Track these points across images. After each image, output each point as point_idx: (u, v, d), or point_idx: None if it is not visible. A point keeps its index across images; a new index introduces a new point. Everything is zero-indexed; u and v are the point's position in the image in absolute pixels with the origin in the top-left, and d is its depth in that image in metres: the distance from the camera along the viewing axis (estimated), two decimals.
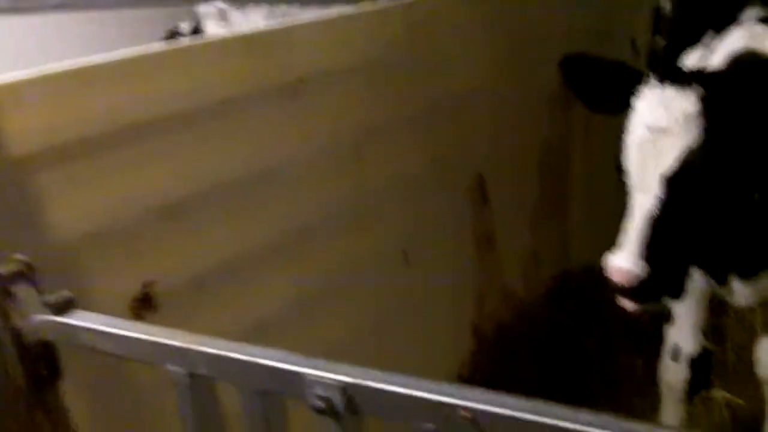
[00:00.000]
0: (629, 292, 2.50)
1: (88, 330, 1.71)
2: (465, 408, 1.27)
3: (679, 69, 2.55)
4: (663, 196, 2.45)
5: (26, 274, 1.84)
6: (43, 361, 1.87)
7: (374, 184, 3.25)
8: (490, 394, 1.27)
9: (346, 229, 3.15)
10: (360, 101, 3.15)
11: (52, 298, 1.77)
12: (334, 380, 1.39)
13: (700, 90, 2.44)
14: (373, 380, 1.36)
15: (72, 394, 1.95)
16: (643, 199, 2.49)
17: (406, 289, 3.46)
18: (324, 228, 3.03)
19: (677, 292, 2.64)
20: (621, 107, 2.60)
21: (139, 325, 1.75)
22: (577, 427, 1.19)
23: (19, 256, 1.85)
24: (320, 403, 1.40)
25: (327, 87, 2.99)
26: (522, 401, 1.24)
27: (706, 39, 2.77)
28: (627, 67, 2.75)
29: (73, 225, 2.30)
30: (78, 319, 1.74)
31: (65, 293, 1.78)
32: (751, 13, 2.83)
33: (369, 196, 3.23)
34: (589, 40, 3.96)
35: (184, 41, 3.26)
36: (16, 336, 1.84)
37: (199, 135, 2.59)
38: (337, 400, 1.39)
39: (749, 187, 2.60)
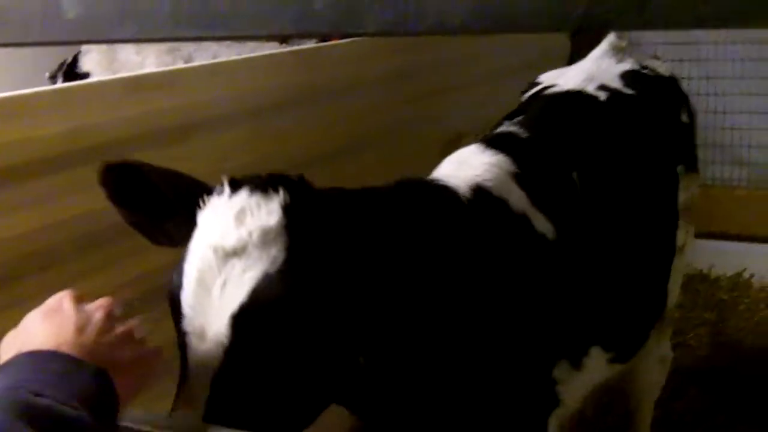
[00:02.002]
0: None
1: None
2: None
3: (261, 177, 1.88)
4: (230, 346, 1.70)
5: None
6: None
7: None
8: None
9: None
10: (246, 146, 3.09)
11: None
12: None
13: (285, 197, 1.80)
14: None
15: None
16: (203, 350, 1.72)
17: None
18: None
19: None
20: (184, 234, 1.86)
21: None
22: None
23: None
24: None
25: (213, 132, 2.92)
26: None
27: None
28: (189, 179, 1.97)
29: None
30: None
31: None
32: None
33: None
34: None
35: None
36: None
37: (76, 179, 2.48)
38: None
39: (350, 343, 1.89)
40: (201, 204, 1.84)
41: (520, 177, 2.34)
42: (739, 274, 5.17)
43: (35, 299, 2.30)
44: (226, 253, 1.73)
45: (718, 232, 5.14)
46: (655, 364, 3.31)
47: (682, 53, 5.42)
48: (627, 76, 3.05)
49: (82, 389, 1.27)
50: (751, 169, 5.58)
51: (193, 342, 1.73)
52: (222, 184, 1.84)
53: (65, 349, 1.34)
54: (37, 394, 1.19)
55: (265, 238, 1.74)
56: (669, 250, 2.99)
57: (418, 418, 2.11)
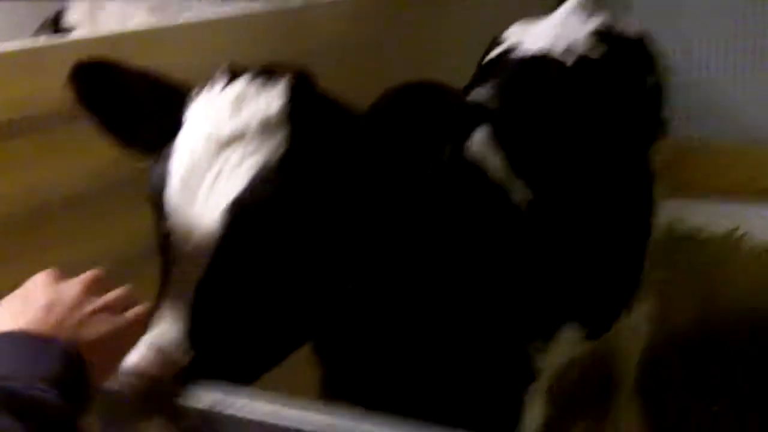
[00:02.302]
0: (166, 394, 1.48)
1: None
2: None
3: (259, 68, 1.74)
4: (221, 241, 1.58)
5: None
6: None
7: None
8: (356, 421, 1.24)
9: None
10: None
11: None
12: (196, 407, 1.38)
13: (288, 85, 1.68)
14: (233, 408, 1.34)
15: None
16: (189, 248, 1.60)
17: None
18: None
19: (251, 376, 1.69)
20: (161, 139, 1.72)
21: None
22: None
23: None
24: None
25: None
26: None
27: None
28: (169, 81, 1.85)
29: None
30: None
31: None
32: None
33: None
34: None
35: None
36: None
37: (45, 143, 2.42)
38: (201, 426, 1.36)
39: (342, 261, 1.78)
40: (185, 102, 1.72)
41: (497, 145, 2.26)
42: (730, 234, 5.05)
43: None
44: (222, 142, 1.61)
45: (708, 192, 5.10)
46: (631, 329, 3.29)
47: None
48: (594, 37, 2.94)
49: (50, 369, 1.22)
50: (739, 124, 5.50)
51: (178, 242, 1.61)
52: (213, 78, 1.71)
53: (32, 327, 1.29)
54: (3, 377, 1.17)
55: (266, 126, 1.62)
56: (644, 222, 2.95)
57: (388, 376, 2.04)
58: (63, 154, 2.43)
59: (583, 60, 2.84)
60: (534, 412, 3.58)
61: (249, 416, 1.29)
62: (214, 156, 1.61)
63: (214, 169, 1.61)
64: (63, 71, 1.82)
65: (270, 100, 1.65)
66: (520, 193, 2.24)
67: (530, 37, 2.91)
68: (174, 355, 1.49)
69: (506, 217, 2.21)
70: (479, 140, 2.24)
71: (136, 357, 1.47)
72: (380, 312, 1.95)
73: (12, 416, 1.11)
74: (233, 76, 1.69)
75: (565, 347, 2.48)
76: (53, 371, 1.22)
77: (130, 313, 1.41)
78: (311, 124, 1.66)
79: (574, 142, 2.58)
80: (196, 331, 1.53)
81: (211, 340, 1.56)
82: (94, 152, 2.24)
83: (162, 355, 1.48)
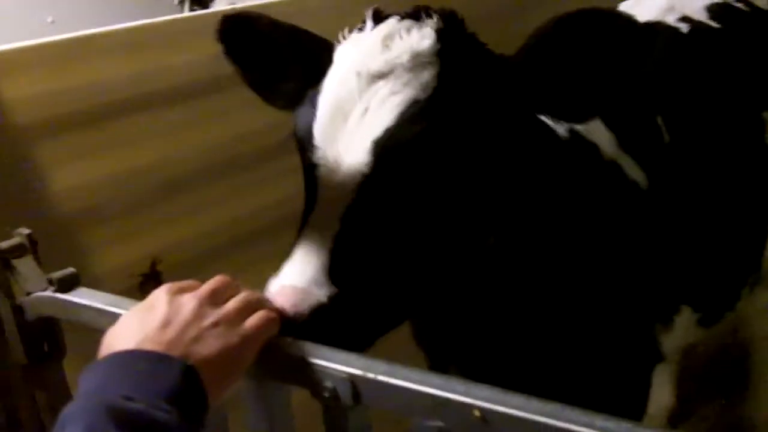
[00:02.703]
0: (300, 327, 1.47)
1: (91, 308, 1.66)
2: (476, 407, 1.23)
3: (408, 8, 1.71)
4: (368, 174, 1.57)
5: (28, 249, 1.82)
6: (44, 337, 1.85)
7: None
8: (503, 394, 1.23)
9: None
10: None
11: (56, 275, 1.73)
12: (342, 372, 1.35)
13: (438, 22, 1.65)
14: (381, 373, 1.32)
15: (73, 371, 1.92)
16: (336, 181, 1.60)
17: None
18: None
19: (376, 334, 1.66)
20: (305, 87, 1.74)
21: None
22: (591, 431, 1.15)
23: (21, 230, 1.82)
24: (326, 394, 1.36)
25: None
26: (535, 402, 1.20)
27: None
28: (310, 35, 1.86)
29: (78, 198, 2.27)
30: (81, 297, 1.70)
31: (69, 270, 1.74)
32: None
33: None
34: None
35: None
36: (18, 312, 1.81)
37: (206, 108, 2.54)
38: (344, 391, 1.35)
39: (483, 221, 1.74)
40: (327, 50, 1.73)
41: (606, 120, 2.18)
42: None
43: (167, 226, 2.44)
44: (372, 76, 1.60)
45: None
46: (761, 314, 3.11)
47: None
48: (714, 9, 2.78)
49: (170, 387, 1.21)
50: None
51: (324, 174, 1.60)
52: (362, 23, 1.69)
53: (148, 345, 1.27)
54: (127, 398, 1.17)
55: (417, 61, 1.59)
56: (763, 202, 2.74)
57: (514, 354, 2.00)
58: (224, 118, 2.56)
59: (699, 28, 2.70)
60: (663, 394, 3.56)
61: (396, 383, 1.32)
62: (363, 91, 1.60)
63: (362, 105, 1.59)
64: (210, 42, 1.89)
65: (420, 37, 1.63)
66: (634, 170, 2.17)
67: (641, 7, 2.79)
68: (311, 292, 1.50)
69: (623, 193, 2.15)
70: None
71: (273, 293, 1.51)
72: (513, 280, 1.90)
73: None
74: (380, 18, 1.68)
75: (680, 332, 2.39)
76: (174, 390, 1.22)
77: (249, 322, 1.37)
78: (461, 63, 1.64)
79: (688, 115, 2.47)
80: (335, 269, 1.53)
81: (349, 281, 1.53)
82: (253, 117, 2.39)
83: (298, 291, 1.50)
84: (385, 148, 1.56)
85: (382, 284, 1.59)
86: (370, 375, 1.33)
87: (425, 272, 1.66)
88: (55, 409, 1.89)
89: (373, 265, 1.57)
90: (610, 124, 2.16)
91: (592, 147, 2.10)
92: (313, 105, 1.66)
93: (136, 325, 1.34)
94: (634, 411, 2.22)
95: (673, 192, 2.27)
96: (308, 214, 1.62)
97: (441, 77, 1.60)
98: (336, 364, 1.35)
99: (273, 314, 1.42)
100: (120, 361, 1.27)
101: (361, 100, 1.60)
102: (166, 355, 1.27)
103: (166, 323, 1.32)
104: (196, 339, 1.31)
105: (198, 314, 1.34)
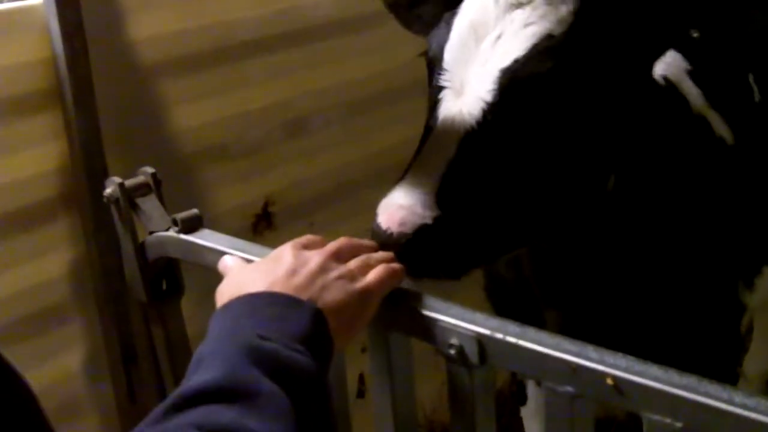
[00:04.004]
0: (404, 247, 1.49)
1: (215, 250, 1.68)
2: (610, 375, 1.22)
3: None
4: (492, 103, 1.55)
5: (152, 188, 1.84)
6: (164, 276, 1.89)
7: None
8: (639, 363, 1.21)
9: None
10: None
11: (180, 215, 1.75)
12: (470, 330, 1.34)
13: None
14: (510, 334, 1.32)
15: (191, 309, 1.97)
16: (458, 106, 1.58)
17: None
18: None
19: (476, 262, 1.67)
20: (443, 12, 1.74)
21: (264, 249, 1.72)
22: (730, 408, 1.13)
23: (146, 169, 1.84)
24: (452, 352, 1.37)
25: None
26: (673, 374, 1.19)
27: None
28: None
29: (200, 138, 2.30)
30: (205, 239, 1.73)
31: (193, 211, 1.77)
32: None
33: None
34: None
35: None
36: (140, 250, 1.85)
37: (321, 51, 2.54)
38: (471, 350, 1.35)
39: (601, 162, 1.72)
40: None
41: (695, 75, 2.12)
42: None
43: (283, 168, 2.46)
44: (510, 3, 1.57)
45: None
46: None
47: None
48: None
49: (301, 330, 1.24)
50: None
51: (448, 97, 1.60)
52: None
53: (278, 289, 1.30)
54: (262, 337, 1.19)
55: None
56: None
57: (610, 311, 1.97)
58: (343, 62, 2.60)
59: None
60: (761, 358, 3.50)
61: (526, 345, 1.32)
62: (499, 18, 1.58)
63: (496, 31, 1.58)
64: None
65: None
66: (720, 126, 2.12)
67: None
68: (417, 212, 1.50)
69: (709, 148, 2.10)
70: (679, 72, 2.13)
71: (380, 211, 1.53)
72: (629, 226, 1.88)
73: (274, 382, 1.14)
74: None
75: (763, 293, 2.32)
76: (304, 331, 1.24)
77: (371, 275, 1.39)
78: (600, 2, 1.61)
79: None
80: (444, 193, 1.52)
81: (457, 207, 1.52)
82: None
83: (405, 210, 1.50)
84: (512, 79, 1.55)
85: (489, 215, 1.58)
86: (499, 335, 1.32)
87: (536, 208, 1.65)
88: (170, 346, 1.94)
89: (483, 195, 1.57)
90: (698, 80, 2.13)
91: (683, 99, 2.07)
92: (449, 27, 1.65)
93: (264, 272, 1.36)
94: (726, 364, 2.19)
95: (761, 150, 2.22)
96: (426, 137, 1.62)
97: (578, 14, 1.58)
98: (465, 322, 1.35)
99: (395, 268, 1.43)
100: (252, 301, 1.29)
101: (496, 26, 1.58)
102: (297, 299, 1.29)
103: (293, 272, 1.34)
104: (322, 288, 1.33)
105: (323, 267, 1.35)
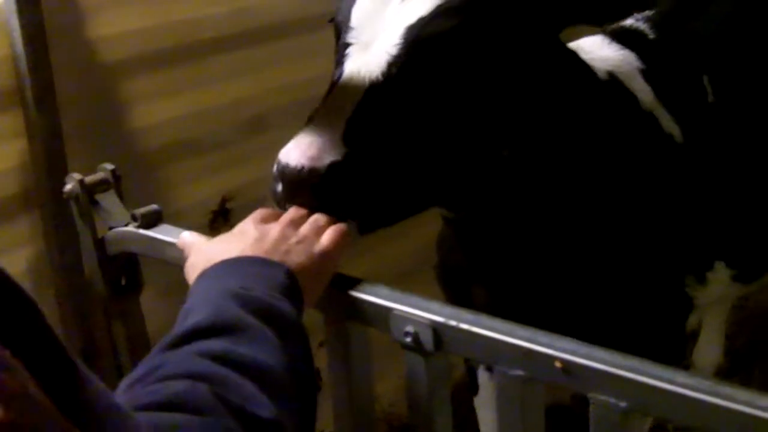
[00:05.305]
0: (318, 182, 1.51)
1: (174, 245, 1.70)
2: (558, 359, 1.26)
3: None
4: (397, 56, 1.59)
5: (112, 184, 1.86)
6: (124, 271, 1.91)
7: None
8: (585, 347, 1.26)
9: None
10: None
11: (140, 210, 1.77)
12: (424, 318, 1.39)
13: None
14: (464, 321, 1.36)
15: (150, 304, 1.99)
16: (365, 59, 1.62)
17: None
18: None
19: (394, 212, 1.68)
20: None
21: None
22: (671, 387, 1.18)
23: (106, 165, 1.86)
24: (408, 340, 1.41)
25: None
26: (618, 356, 1.24)
27: None
28: None
29: (161, 135, 2.33)
30: (165, 234, 1.75)
31: (153, 206, 1.79)
32: None
33: None
34: None
35: None
36: (100, 246, 1.86)
37: (284, 49, 2.57)
38: (426, 338, 1.39)
39: (499, 130, 1.75)
40: None
41: (646, 74, 2.19)
42: None
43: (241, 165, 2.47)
44: None
45: None
46: None
47: None
48: None
49: (280, 283, 1.34)
50: None
51: (354, 53, 1.63)
52: None
53: (249, 254, 1.40)
54: (245, 288, 1.29)
55: None
56: None
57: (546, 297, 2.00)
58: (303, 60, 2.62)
59: None
60: (711, 350, 3.57)
61: (479, 331, 1.36)
62: None
63: None
64: None
65: None
66: (669, 123, 2.18)
67: None
68: (327, 149, 1.52)
69: (655, 143, 2.15)
70: (630, 69, 2.20)
71: (289, 149, 1.55)
72: (527, 202, 1.90)
73: (262, 322, 1.24)
74: None
75: (715, 286, 2.36)
76: (282, 285, 1.34)
77: (325, 237, 1.47)
78: None
79: (738, 76, 2.44)
80: (350, 136, 1.55)
81: (364, 149, 1.56)
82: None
83: (314, 147, 1.52)
84: (416, 35, 1.60)
85: (394, 163, 1.61)
86: (453, 323, 1.37)
87: (437, 163, 1.68)
88: (130, 340, 1.96)
89: (388, 143, 1.60)
90: (650, 79, 2.19)
91: (630, 94, 2.13)
92: None
93: (233, 242, 1.45)
94: (668, 356, 2.21)
95: (712, 150, 2.26)
96: (332, 89, 1.65)
97: None
98: (420, 310, 1.39)
99: (344, 227, 1.52)
100: (230, 264, 1.38)
101: None
102: (270, 260, 1.39)
103: (259, 240, 1.43)
104: (286, 252, 1.42)
105: (284, 235, 1.45)
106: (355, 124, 1.56)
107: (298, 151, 1.53)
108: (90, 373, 0.87)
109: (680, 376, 1.18)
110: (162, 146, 2.35)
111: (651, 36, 2.38)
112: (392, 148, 1.60)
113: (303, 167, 1.50)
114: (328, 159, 1.51)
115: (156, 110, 2.32)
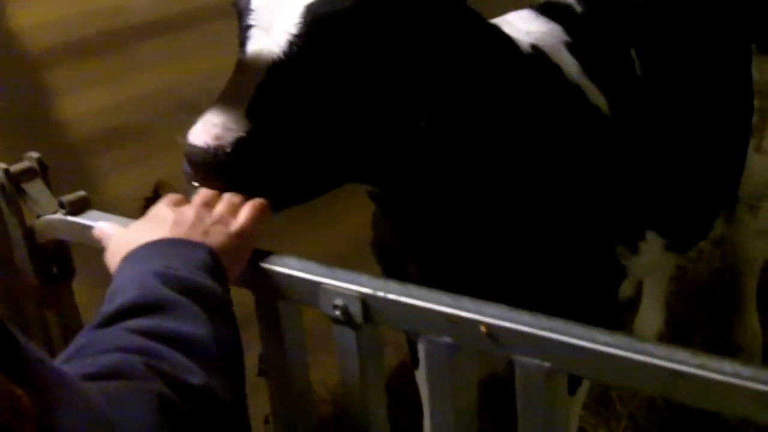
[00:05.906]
0: (226, 160, 1.51)
1: None
2: (483, 324, 1.28)
3: None
4: (298, 35, 1.60)
5: (38, 172, 1.84)
6: (54, 260, 1.89)
7: None
8: (510, 311, 1.28)
9: None
10: None
11: (66, 197, 1.76)
12: (353, 290, 1.39)
13: None
14: (391, 292, 1.37)
15: (83, 292, 1.97)
16: (267, 40, 1.62)
17: None
18: None
19: (306, 187, 1.68)
20: None
21: None
22: (592, 345, 1.20)
23: (31, 154, 1.84)
24: (337, 313, 1.42)
25: None
26: (541, 318, 1.25)
27: None
28: None
29: (88, 123, 2.30)
30: (92, 220, 1.73)
31: (80, 193, 1.77)
32: None
33: None
34: None
35: None
36: (29, 234, 1.85)
37: (212, 33, 2.55)
38: (355, 310, 1.40)
39: (413, 103, 1.76)
40: None
41: (573, 47, 2.22)
42: None
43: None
44: None
45: None
46: (753, 238, 3.13)
47: None
48: None
49: (204, 262, 1.35)
50: None
51: (256, 35, 1.64)
52: None
53: (169, 236, 1.41)
54: (169, 268, 1.30)
55: None
56: (741, 135, 2.73)
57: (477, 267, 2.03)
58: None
59: None
60: (651, 318, 3.63)
61: (406, 301, 1.37)
62: None
63: None
64: None
65: None
66: (595, 96, 2.20)
67: None
68: (231, 127, 1.52)
69: (584, 116, 2.17)
70: (555, 43, 2.22)
71: (194, 132, 1.55)
72: (447, 175, 1.90)
73: (188, 299, 1.25)
74: None
75: (647, 256, 2.42)
76: (207, 264, 1.35)
77: (241, 215, 1.48)
78: None
79: (666, 48, 2.49)
80: (255, 112, 1.55)
81: (269, 125, 1.56)
82: None
83: (219, 125, 1.53)
84: (315, 13, 1.61)
85: (304, 136, 1.62)
86: (381, 294, 1.38)
87: (349, 137, 1.69)
88: (64, 328, 1.95)
89: (293, 118, 1.60)
90: (576, 52, 2.22)
91: (555, 67, 2.15)
92: None
93: (151, 228, 1.45)
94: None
95: (640, 121, 2.30)
96: (237, 70, 1.66)
97: None
98: (348, 283, 1.40)
99: (261, 203, 1.52)
100: (153, 246, 1.38)
101: None
102: (191, 240, 1.40)
103: (177, 223, 1.43)
104: (205, 234, 1.42)
105: (199, 216, 1.45)
106: (260, 102, 1.56)
107: (203, 130, 1.53)
108: (29, 342, 0.90)
109: (601, 335, 1.21)
110: (92, 135, 2.33)
111: (578, 10, 2.41)
112: (299, 124, 1.61)
113: (208, 146, 1.51)
114: (232, 136, 1.51)
115: (83, 99, 2.30)
